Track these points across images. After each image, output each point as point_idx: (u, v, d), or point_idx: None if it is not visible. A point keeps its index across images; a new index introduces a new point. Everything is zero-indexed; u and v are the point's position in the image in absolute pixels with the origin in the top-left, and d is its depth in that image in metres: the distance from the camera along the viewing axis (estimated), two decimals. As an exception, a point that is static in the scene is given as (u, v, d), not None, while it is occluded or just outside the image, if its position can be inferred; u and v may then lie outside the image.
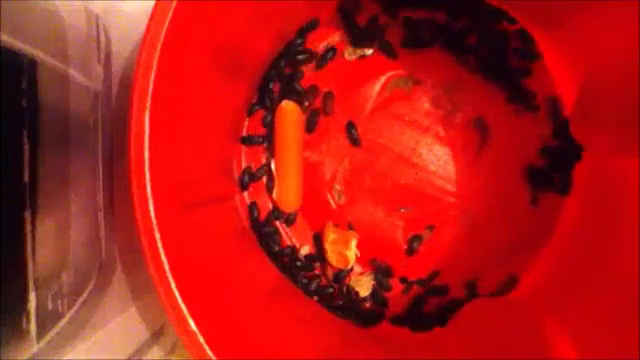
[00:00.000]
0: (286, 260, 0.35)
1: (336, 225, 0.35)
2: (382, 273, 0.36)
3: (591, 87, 0.31)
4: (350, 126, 0.36)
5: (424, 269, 0.36)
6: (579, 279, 0.31)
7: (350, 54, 0.36)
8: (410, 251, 0.36)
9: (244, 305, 0.28)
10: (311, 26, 0.35)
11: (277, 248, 0.35)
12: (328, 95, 0.36)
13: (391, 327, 0.35)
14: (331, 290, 0.35)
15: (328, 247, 0.34)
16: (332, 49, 0.36)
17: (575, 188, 0.35)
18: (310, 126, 0.36)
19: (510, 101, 0.36)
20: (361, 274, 0.36)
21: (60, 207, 0.24)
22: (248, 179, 0.35)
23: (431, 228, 0.36)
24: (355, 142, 0.36)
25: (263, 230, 0.35)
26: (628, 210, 0.29)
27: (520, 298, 0.34)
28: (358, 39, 0.35)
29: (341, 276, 0.35)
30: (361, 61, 0.36)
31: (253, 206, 0.35)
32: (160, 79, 0.22)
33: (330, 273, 0.36)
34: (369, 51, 0.36)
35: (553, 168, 0.35)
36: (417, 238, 0.36)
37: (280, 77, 0.35)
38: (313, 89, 0.36)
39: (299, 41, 0.35)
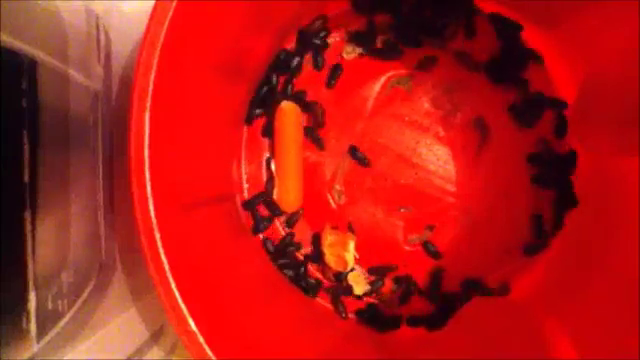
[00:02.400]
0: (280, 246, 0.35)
1: (335, 227, 0.35)
2: (379, 277, 0.36)
3: (591, 87, 0.31)
4: (353, 150, 0.36)
5: (424, 269, 0.36)
6: (579, 279, 0.31)
7: (348, 53, 0.36)
8: (436, 256, 0.36)
9: (244, 305, 0.28)
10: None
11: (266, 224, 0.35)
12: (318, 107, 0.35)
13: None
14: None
15: (326, 250, 0.34)
16: (338, 66, 0.35)
17: (575, 188, 0.35)
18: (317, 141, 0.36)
19: (510, 102, 0.36)
20: (361, 274, 0.36)
21: (60, 207, 0.24)
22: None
23: (431, 228, 0.36)
24: (363, 162, 0.36)
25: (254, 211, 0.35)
26: (628, 210, 0.29)
27: (520, 298, 0.34)
28: (356, 38, 0.35)
29: (340, 278, 0.35)
30: (361, 61, 0.36)
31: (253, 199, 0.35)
32: (160, 79, 0.22)
33: (329, 276, 0.36)
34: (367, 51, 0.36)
35: (552, 169, 0.35)
36: (427, 243, 0.36)
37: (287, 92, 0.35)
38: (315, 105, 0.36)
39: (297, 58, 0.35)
